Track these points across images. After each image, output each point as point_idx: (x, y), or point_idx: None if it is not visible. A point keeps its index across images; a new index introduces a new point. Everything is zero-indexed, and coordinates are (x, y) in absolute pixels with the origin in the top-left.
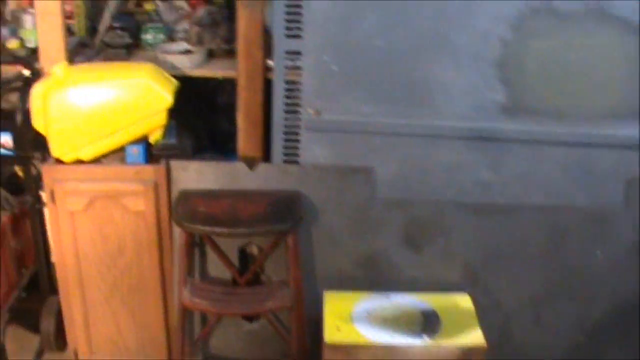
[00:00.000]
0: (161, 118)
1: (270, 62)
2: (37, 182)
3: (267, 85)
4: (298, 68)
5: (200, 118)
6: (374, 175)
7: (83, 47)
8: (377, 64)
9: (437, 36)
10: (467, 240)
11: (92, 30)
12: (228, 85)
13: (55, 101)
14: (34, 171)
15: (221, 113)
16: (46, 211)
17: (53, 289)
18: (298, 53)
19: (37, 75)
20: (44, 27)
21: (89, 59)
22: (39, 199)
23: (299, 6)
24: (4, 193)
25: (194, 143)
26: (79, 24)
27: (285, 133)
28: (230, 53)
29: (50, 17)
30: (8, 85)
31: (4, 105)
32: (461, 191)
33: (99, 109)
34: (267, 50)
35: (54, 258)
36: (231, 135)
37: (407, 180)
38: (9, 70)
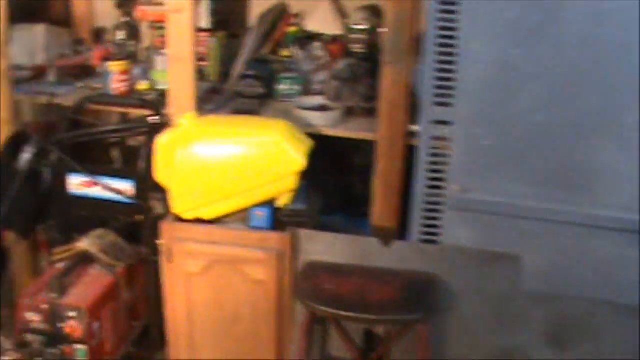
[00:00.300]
0: (291, 182)
1: (414, 128)
2: (154, 232)
3: (409, 152)
4: (445, 139)
5: (332, 177)
6: (521, 264)
7: (214, 94)
8: (534, 141)
9: (605, 115)
10: (618, 345)
11: (225, 75)
12: (364, 145)
13: (180, 155)
14: (152, 221)
15: (355, 174)
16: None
17: (163, 342)
18: (447, 123)
19: (164, 122)
20: (175, 72)
21: (219, 107)
22: (155, 250)
23: (451, 71)
24: (121, 243)
25: (324, 203)
26: (212, 68)
27: (426, 210)
28: (370, 112)
29: (182, 63)
30: (133, 131)
31: (133, 142)
32: (618, 290)
33: (225, 167)
34: (411, 114)
35: (167, 314)
36: (364, 199)
37: (557, 272)
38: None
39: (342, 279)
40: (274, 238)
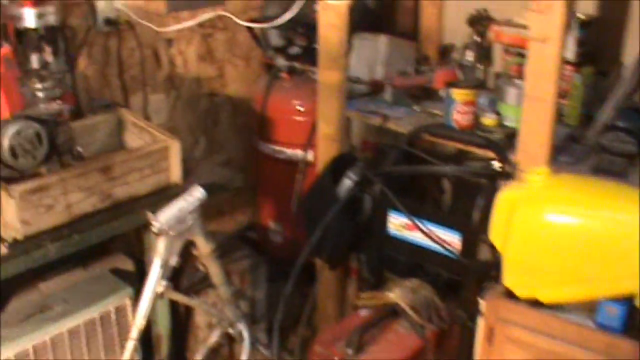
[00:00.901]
0: None
1: None
2: (477, 295)
3: None
4: None
5: None
6: None
7: (571, 141)
8: None
9: None
10: None
11: (586, 119)
12: None
13: (524, 218)
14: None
15: None
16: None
17: None
18: None
19: (508, 171)
20: (530, 113)
21: (576, 161)
22: (474, 316)
23: None
24: (436, 301)
25: None
26: (572, 110)
27: None
28: None
29: (540, 104)
30: (471, 175)
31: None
32: None
33: (579, 244)
34: None
35: None
36: None
37: None
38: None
39: None
40: (626, 346)
